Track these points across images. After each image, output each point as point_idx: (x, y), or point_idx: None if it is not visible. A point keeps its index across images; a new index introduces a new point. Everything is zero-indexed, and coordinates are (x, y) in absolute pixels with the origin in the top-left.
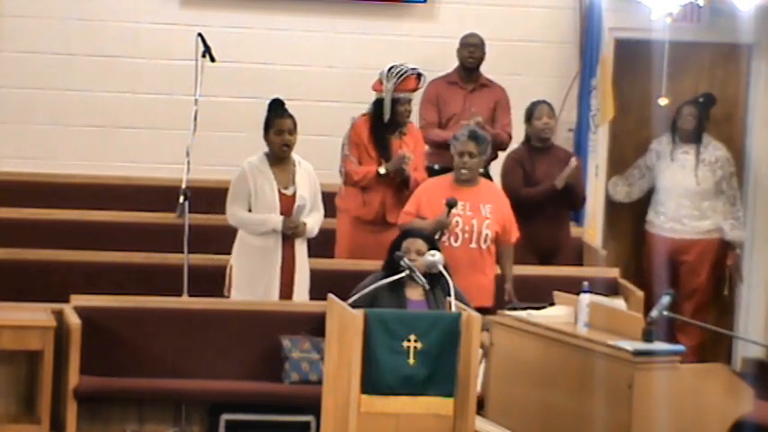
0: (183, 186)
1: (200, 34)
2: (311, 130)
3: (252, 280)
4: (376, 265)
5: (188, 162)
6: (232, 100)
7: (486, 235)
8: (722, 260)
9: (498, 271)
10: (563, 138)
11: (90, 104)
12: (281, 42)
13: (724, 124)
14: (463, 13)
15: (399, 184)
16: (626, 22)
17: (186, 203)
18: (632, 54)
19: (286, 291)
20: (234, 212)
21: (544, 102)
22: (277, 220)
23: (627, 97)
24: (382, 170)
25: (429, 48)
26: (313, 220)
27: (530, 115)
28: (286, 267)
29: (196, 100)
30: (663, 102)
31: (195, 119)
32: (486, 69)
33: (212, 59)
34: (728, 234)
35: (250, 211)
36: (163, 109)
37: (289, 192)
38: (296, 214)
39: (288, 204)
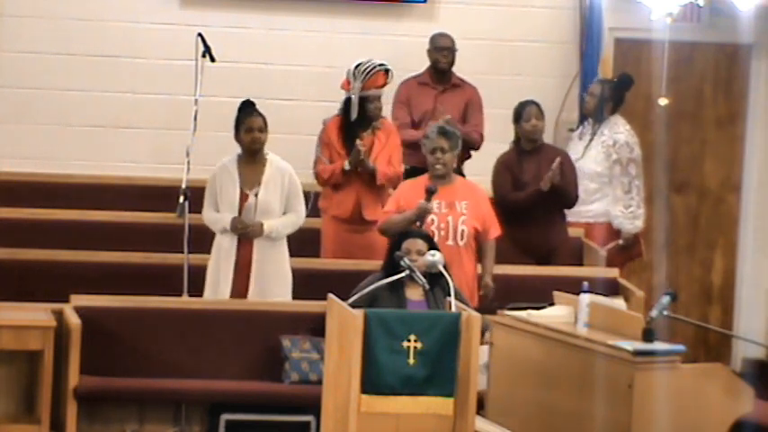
0: (183, 186)
1: (200, 34)
2: (310, 130)
3: (209, 278)
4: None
5: (188, 162)
6: (232, 100)
7: (463, 231)
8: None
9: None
10: (563, 138)
11: (90, 104)
12: (281, 42)
13: (725, 125)
14: (463, 13)
15: (370, 179)
16: (626, 22)
17: (186, 203)
18: (632, 54)
19: (240, 290)
20: (204, 211)
21: (532, 102)
22: (227, 219)
23: (627, 97)
24: (346, 165)
25: None
26: (281, 222)
27: (518, 116)
28: (241, 267)
29: (196, 100)
30: (663, 102)
31: (195, 119)
32: (486, 69)
33: (212, 59)
34: (614, 222)
35: (219, 211)
36: (163, 109)
37: (252, 192)
38: (245, 214)
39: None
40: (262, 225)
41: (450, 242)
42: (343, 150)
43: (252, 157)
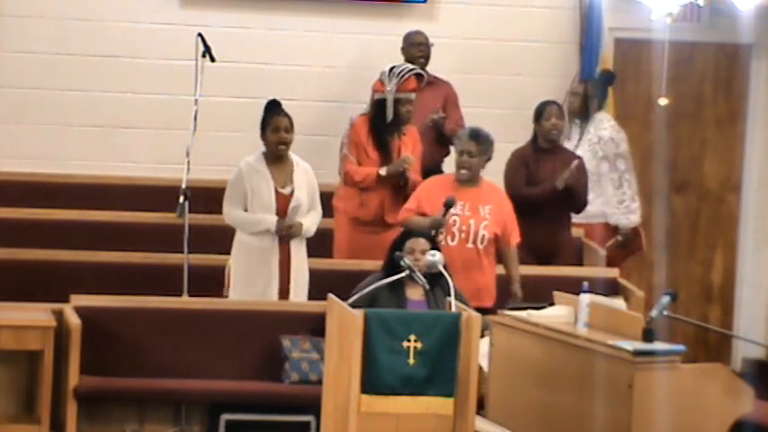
0: (183, 186)
1: (200, 34)
2: (311, 130)
3: (250, 280)
4: (375, 265)
5: (188, 162)
6: (232, 100)
7: (484, 236)
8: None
9: (501, 273)
10: (563, 137)
11: (90, 104)
12: (281, 42)
13: (725, 125)
14: (463, 13)
15: (398, 186)
16: (626, 22)
17: (186, 203)
18: (632, 54)
19: (283, 291)
20: (229, 211)
21: (554, 102)
22: (271, 220)
23: (627, 97)
24: (383, 172)
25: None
26: (310, 220)
27: (539, 115)
28: (283, 268)
29: (196, 100)
30: (663, 102)
31: (195, 119)
32: (486, 69)
33: (212, 59)
34: (610, 219)
35: (246, 210)
36: (163, 109)
37: (286, 191)
38: (290, 215)
39: (284, 204)
40: (301, 225)
41: (470, 245)
42: (374, 152)
43: (279, 157)
